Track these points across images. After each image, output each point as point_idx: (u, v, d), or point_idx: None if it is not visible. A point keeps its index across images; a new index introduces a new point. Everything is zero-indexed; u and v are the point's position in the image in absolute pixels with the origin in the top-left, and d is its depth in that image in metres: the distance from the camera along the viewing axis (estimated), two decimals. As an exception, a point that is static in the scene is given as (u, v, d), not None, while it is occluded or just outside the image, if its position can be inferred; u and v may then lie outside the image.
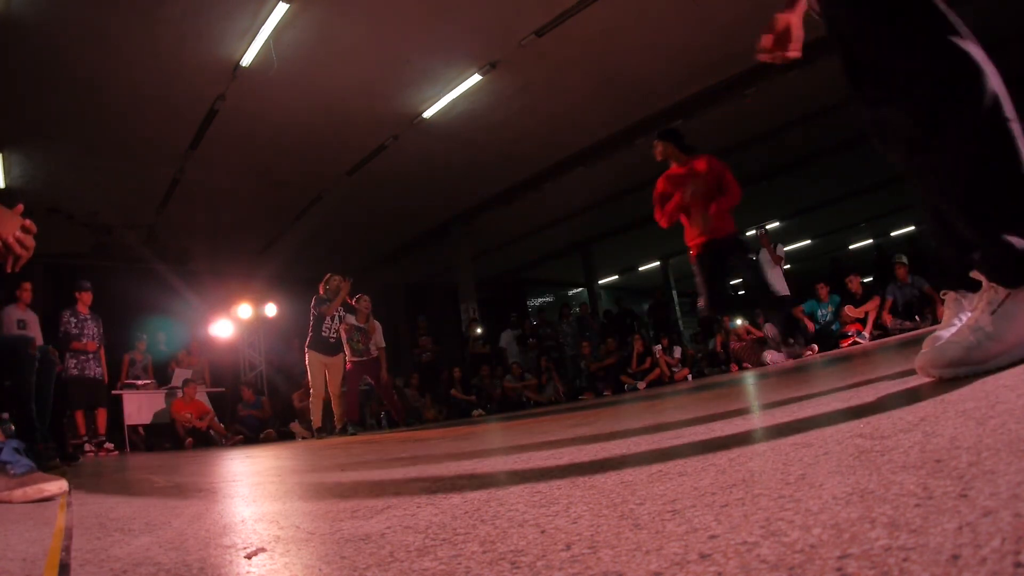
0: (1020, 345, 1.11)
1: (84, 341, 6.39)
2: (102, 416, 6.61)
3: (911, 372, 1.43)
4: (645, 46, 6.52)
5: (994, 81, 1.11)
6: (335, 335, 6.58)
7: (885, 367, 2.16)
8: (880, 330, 7.32)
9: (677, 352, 8.99)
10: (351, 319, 6.66)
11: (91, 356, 6.45)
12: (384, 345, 6.90)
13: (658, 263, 15.56)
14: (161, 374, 8.35)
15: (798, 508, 0.54)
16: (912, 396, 1.11)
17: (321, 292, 6.57)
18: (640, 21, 6.07)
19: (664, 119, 8.03)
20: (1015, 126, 1.07)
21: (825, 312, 7.75)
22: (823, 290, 7.80)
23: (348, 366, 6.70)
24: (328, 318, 6.48)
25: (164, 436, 7.74)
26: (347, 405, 6.63)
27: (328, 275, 6.69)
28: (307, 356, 6.50)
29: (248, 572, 0.68)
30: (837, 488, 0.58)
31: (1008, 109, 1.09)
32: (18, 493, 1.58)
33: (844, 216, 13.99)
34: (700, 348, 9.86)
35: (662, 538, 0.54)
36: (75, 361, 6.34)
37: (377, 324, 6.85)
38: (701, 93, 7.58)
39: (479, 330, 10.47)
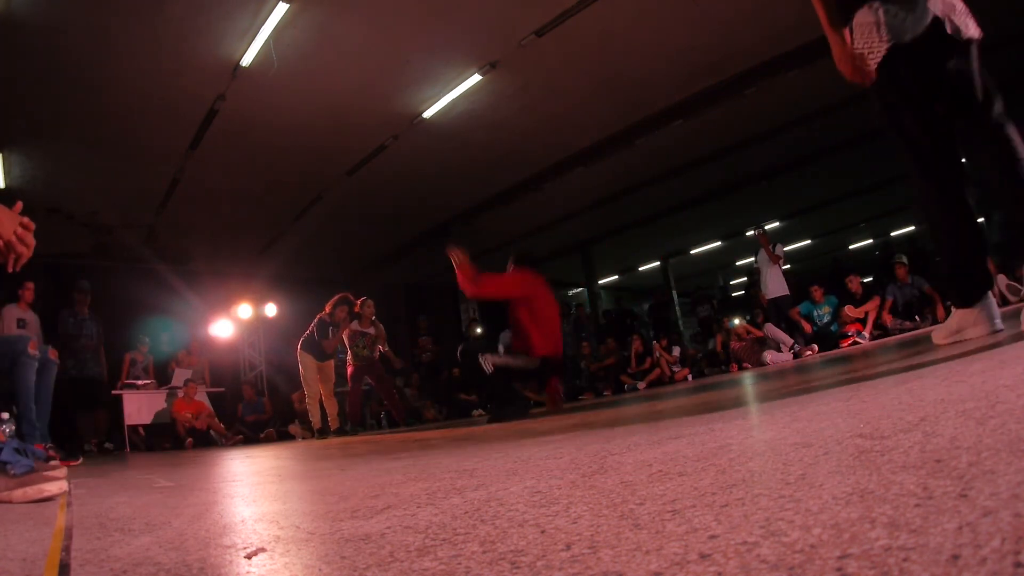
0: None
1: (83, 341, 6.39)
2: (102, 416, 6.60)
3: (911, 372, 1.43)
4: (645, 46, 6.51)
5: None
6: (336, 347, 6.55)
7: (885, 367, 2.16)
8: (880, 330, 7.32)
9: (677, 352, 8.99)
10: (355, 324, 6.62)
11: (90, 356, 6.45)
12: (387, 349, 6.91)
13: (658, 263, 15.55)
14: (161, 374, 8.34)
15: (798, 508, 0.54)
16: (912, 396, 1.11)
17: (327, 311, 6.43)
18: (640, 21, 6.07)
19: (664, 119, 8.02)
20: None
21: (821, 313, 7.75)
22: (817, 292, 7.81)
23: (350, 368, 6.69)
24: (329, 333, 6.43)
25: (164, 436, 7.73)
26: (349, 405, 6.63)
27: (338, 298, 6.46)
28: (300, 355, 6.47)
29: (248, 572, 0.68)
30: (837, 488, 0.58)
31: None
32: (18, 493, 1.58)
33: (844, 216, 13.98)
34: (700, 348, 9.87)
35: (662, 538, 0.54)
36: (73, 361, 6.34)
37: (381, 327, 6.85)
38: (701, 93, 7.57)
39: (479, 330, 10.47)
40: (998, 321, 2.09)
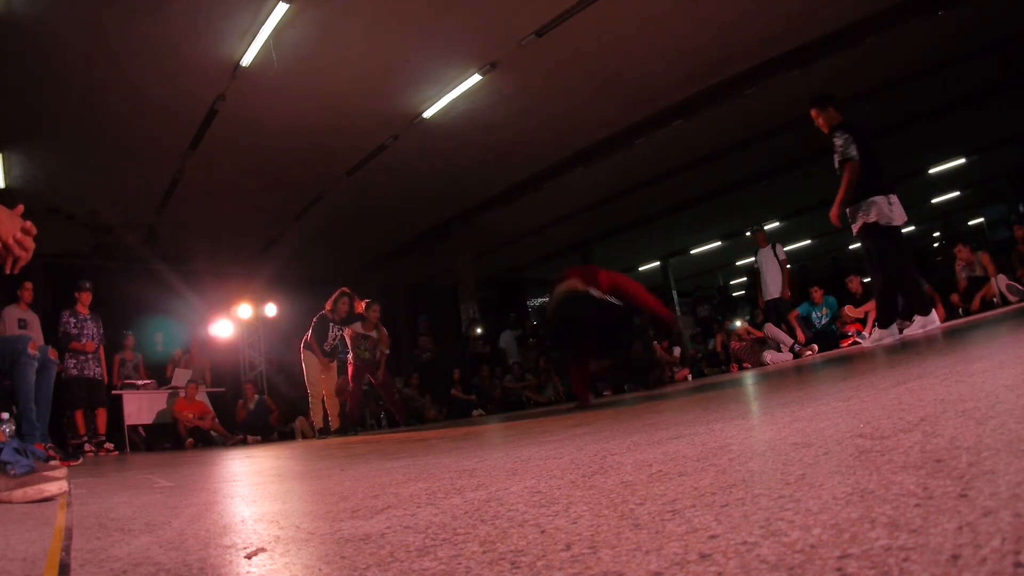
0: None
1: (83, 341, 6.37)
2: (102, 416, 6.59)
3: (911, 372, 1.43)
4: (645, 46, 6.51)
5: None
6: (334, 346, 6.56)
7: (885, 367, 2.16)
8: (880, 330, 7.31)
9: (677, 352, 8.99)
10: (358, 326, 6.63)
11: (90, 356, 6.44)
12: (388, 352, 6.92)
13: (658, 263, 15.56)
14: (160, 374, 8.33)
15: (798, 508, 0.54)
16: (912, 396, 1.11)
17: (328, 308, 6.46)
18: (640, 21, 6.07)
19: (664, 119, 8.02)
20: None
21: (820, 315, 7.73)
22: (817, 293, 7.78)
23: (351, 367, 6.70)
24: (331, 331, 6.45)
25: (164, 436, 7.73)
26: (349, 405, 6.63)
27: (338, 293, 6.48)
28: (303, 354, 6.50)
29: (248, 572, 0.68)
30: (837, 488, 0.58)
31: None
32: (18, 493, 1.58)
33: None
34: (700, 348, 9.86)
35: (662, 538, 0.54)
36: (74, 361, 6.33)
37: (384, 332, 6.87)
38: (701, 93, 7.57)
39: (479, 330, 10.46)
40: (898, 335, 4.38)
